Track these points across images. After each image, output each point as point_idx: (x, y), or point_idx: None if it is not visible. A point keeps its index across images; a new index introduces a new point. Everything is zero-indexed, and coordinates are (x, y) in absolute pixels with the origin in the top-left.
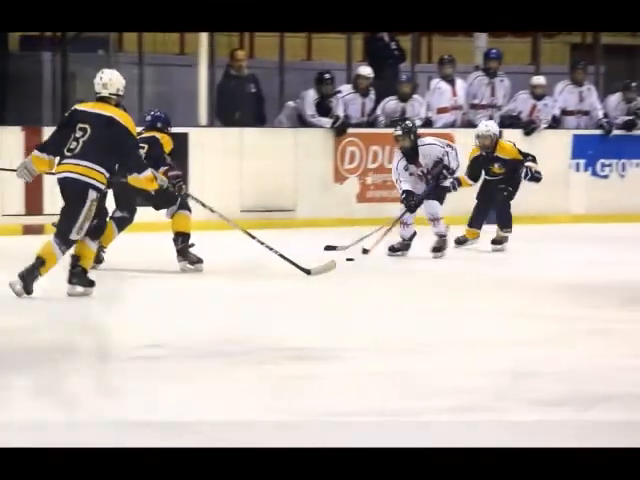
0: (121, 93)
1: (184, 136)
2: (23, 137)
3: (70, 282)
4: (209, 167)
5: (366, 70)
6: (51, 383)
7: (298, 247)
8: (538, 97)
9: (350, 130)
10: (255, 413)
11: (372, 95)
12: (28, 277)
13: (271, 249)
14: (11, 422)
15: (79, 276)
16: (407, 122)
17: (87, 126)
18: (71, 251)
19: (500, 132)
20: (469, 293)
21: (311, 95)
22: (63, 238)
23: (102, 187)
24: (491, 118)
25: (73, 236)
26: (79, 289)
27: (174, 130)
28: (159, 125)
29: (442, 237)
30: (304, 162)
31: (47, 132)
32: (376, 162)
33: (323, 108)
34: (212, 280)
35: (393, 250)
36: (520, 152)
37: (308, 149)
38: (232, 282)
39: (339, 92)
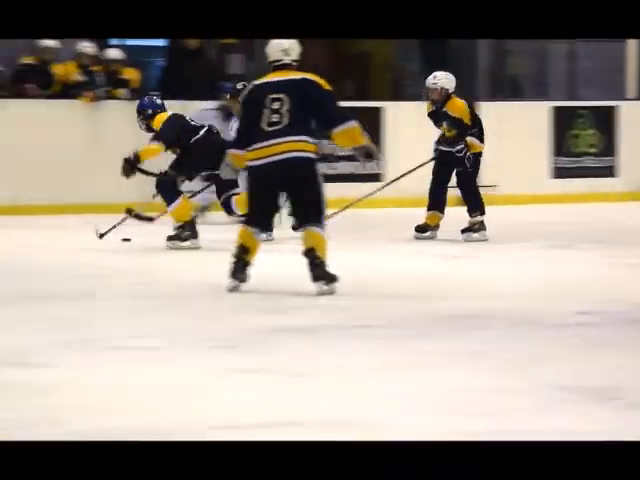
0: (299, 59)
1: (611, 109)
2: None
3: (233, 276)
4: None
5: None
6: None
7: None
8: None
9: None
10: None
11: None
12: (324, 272)
13: None
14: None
15: (240, 270)
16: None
17: (282, 95)
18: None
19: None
20: None
21: None
22: (322, 221)
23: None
24: None
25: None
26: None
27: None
28: None
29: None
30: None
31: (483, 107)
32: None
33: None
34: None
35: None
36: (472, 115)
37: None
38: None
39: None
